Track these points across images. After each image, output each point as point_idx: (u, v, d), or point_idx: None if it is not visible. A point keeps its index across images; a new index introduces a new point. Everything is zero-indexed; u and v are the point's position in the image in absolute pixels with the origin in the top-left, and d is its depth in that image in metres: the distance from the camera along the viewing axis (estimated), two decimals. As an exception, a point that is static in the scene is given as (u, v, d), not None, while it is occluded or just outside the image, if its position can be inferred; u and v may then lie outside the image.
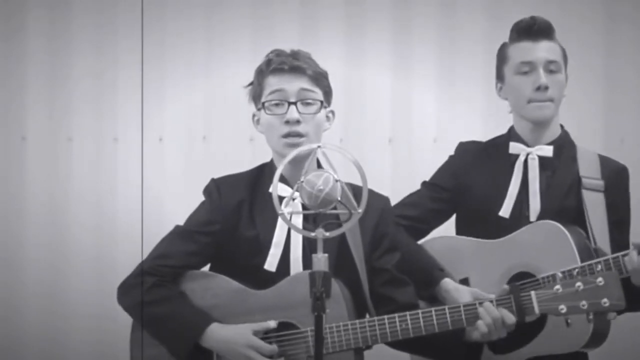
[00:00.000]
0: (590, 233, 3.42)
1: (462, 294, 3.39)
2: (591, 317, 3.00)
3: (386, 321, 3.08)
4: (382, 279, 3.24)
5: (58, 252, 4.73)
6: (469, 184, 3.57)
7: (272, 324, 3.10)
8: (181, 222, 3.32)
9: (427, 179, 3.69)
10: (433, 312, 3.07)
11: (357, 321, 3.09)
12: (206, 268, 3.31)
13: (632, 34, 4.87)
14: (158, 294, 3.17)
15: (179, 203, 4.62)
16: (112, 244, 4.73)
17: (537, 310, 3.02)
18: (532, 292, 3.02)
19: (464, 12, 4.82)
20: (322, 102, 3.21)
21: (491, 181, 3.54)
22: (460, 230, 3.62)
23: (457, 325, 3.07)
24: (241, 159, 4.64)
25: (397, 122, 4.85)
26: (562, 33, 4.87)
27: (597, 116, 4.86)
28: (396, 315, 3.09)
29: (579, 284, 2.98)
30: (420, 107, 4.84)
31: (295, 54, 3.23)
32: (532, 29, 3.51)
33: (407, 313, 3.08)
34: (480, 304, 3.07)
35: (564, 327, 3.08)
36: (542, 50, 3.49)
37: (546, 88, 3.47)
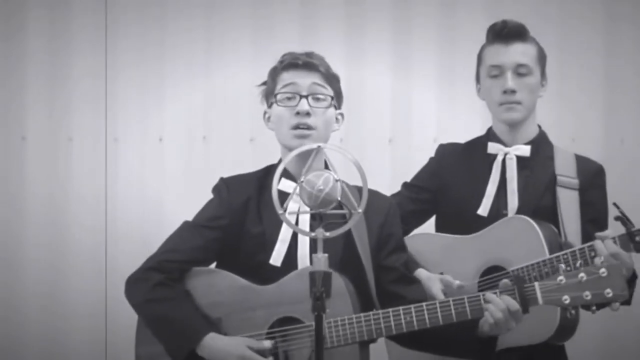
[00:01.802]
0: (562, 229, 3.51)
1: (433, 282, 3.47)
2: (594, 308, 3.01)
3: (391, 314, 3.10)
4: (390, 277, 3.26)
5: (58, 252, 4.73)
6: (449, 184, 3.65)
7: (267, 344, 3.13)
8: (180, 223, 3.33)
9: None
10: (437, 305, 3.09)
11: (361, 314, 3.11)
12: (212, 265, 3.32)
13: (632, 34, 4.87)
14: (162, 293, 3.19)
15: (179, 203, 4.63)
16: (112, 244, 4.73)
17: (540, 300, 3.03)
18: (536, 283, 3.04)
19: (464, 12, 4.83)
20: (332, 97, 3.25)
21: (470, 181, 3.62)
22: (440, 228, 3.70)
23: (461, 318, 3.08)
24: (241, 159, 4.65)
25: (397, 122, 4.85)
26: (562, 33, 4.89)
27: (597, 116, 4.86)
28: (400, 308, 3.10)
29: (582, 274, 3.00)
30: (420, 107, 4.85)
31: (309, 54, 3.29)
32: (502, 32, 3.58)
33: (412, 306, 3.10)
34: (484, 295, 3.08)
35: (530, 319, 3.13)
36: (512, 53, 3.56)
37: (513, 92, 3.54)
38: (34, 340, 4.71)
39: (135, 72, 4.77)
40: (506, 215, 3.56)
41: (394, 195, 3.69)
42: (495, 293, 3.08)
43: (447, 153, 3.73)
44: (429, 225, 3.76)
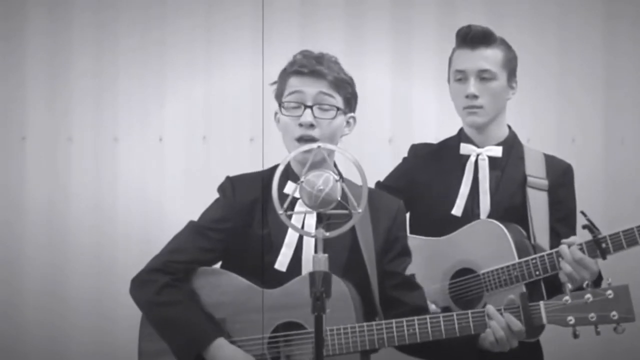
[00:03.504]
0: (531, 230, 3.58)
1: None
2: (599, 329, 3.01)
3: (394, 325, 3.09)
4: (393, 282, 3.25)
5: (58, 252, 4.72)
6: (422, 185, 3.71)
7: None
8: (180, 223, 3.32)
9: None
10: (441, 318, 3.08)
11: (364, 324, 3.10)
12: (217, 265, 3.32)
13: (632, 34, 4.87)
14: (169, 296, 3.17)
15: (178, 203, 4.62)
16: (112, 244, 4.72)
17: (545, 320, 3.02)
18: (541, 303, 3.03)
19: (464, 12, 4.82)
20: (338, 108, 3.20)
21: (443, 181, 3.69)
22: (414, 228, 3.72)
23: (464, 332, 3.07)
24: (241, 159, 4.65)
25: (397, 122, 4.85)
26: (562, 33, 4.89)
27: (597, 116, 4.86)
28: (404, 319, 3.09)
29: (588, 295, 2.99)
30: (420, 107, 4.84)
31: (319, 58, 3.24)
32: (467, 37, 3.64)
33: (415, 318, 3.09)
34: (489, 316, 3.06)
35: None
36: (476, 58, 3.63)
37: (475, 96, 3.62)
38: (34, 339, 4.70)
39: (135, 71, 4.77)
40: (478, 215, 3.63)
41: None
42: (499, 310, 3.07)
43: (419, 153, 3.80)
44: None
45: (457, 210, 3.64)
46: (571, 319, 2.99)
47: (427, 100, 4.85)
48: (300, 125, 3.16)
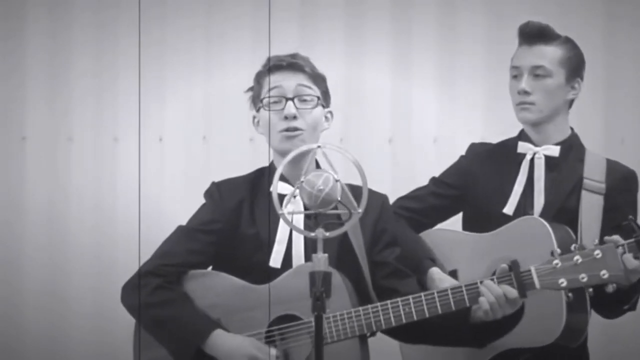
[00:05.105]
0: (579, 232, 3.51)
1: (444, 284, 3.44)
2: (591, 290, 3.03)
3: (389, 306, 3.12)
4: (384, 272, 3.28)
5: (58, 252, 4.73)
6: (476, 183, 3.66)
7: (273, 352, 3.13)
8: (180, 223, 3.33)
9: (429, 178, 3.77)
10: (436, 294, 3.12)
11: (360, 308, 3.13)
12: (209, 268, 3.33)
13: (632, 34, 4.87)
14: (162, 296, 3.19)
15: (178, 203, 4.62)
16: (111, 244, 4.73)
17: (537, 285, 3.06)
18: (532, 267, 3.07)
19: (464, 12, 4.83)
20: (318, 97, 3.25)
21: (498, 179, 3.64)
22: (466, 226, 3.71)
23: (460, 306, 3.11)
24: (241, 159, 4.65)
25: (397, 122, 4.85)
26: (562, 33, 4.88)
27: (597, 116, 4.86)
28: (399, 299, 3.12)
29: (577, 257, 3.03)
30: (420, 107, 4.85)
31: (293, 55, 3.30)
32: (524, 33, 3.62)
33: (410, 297, 3.12)
34: (482, 282, 3.09)
35: (537, 320, 3.21)
36: (531, 55, 3.59)
37: (526, 93, 3.57)
38: (34, 339, 4.71)
39: (135, 72, 4.77)
40: (532, 214, 3.56)
41: (418, 189, 3.74)
42: (492, 279, 3.11)
43: (477, 152, 3.73)
44: (456, 222, 3.78)
45: (509, 209, 3.58)
46: (563, 282, 3.02)
47: (427, 100, 4.85)
48: (286, 118, 3.21)
